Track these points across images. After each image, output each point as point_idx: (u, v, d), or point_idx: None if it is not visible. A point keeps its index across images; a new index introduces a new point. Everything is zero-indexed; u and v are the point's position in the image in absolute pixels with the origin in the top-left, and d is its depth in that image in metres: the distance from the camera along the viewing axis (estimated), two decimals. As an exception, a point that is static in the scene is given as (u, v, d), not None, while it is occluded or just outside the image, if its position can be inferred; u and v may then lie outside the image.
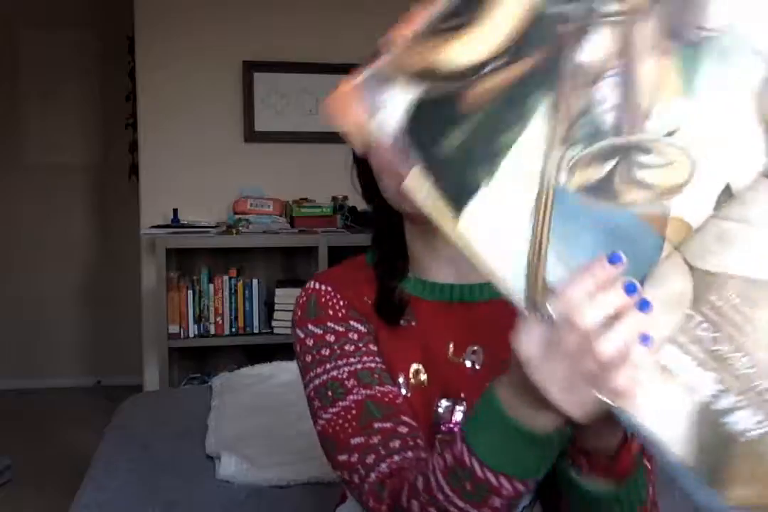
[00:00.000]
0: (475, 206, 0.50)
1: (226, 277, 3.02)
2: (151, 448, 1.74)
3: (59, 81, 4.02)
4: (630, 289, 0.49)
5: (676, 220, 0.51)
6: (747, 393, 0.50)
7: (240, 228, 3.00)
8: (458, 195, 0.50)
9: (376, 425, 0.73)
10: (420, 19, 0.50)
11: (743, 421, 0.50)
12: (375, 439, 0.72)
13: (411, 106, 0.50)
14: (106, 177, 4.11)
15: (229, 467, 1.58)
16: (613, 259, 0.49)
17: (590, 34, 0.49)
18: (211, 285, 3.01)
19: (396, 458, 0.70)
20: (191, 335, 2.99)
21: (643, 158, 0.50)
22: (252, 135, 3.20)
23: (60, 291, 4.12)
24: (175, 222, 3.05)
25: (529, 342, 0.52)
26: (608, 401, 0.50)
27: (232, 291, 3.02)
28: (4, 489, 2.78)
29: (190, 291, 2.98)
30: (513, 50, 0.50)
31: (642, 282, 0.50)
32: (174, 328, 2.96)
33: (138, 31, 3.14)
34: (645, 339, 0.49)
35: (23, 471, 2.88)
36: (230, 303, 3.01)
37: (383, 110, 0.50)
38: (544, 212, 0.50)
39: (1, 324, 4.05)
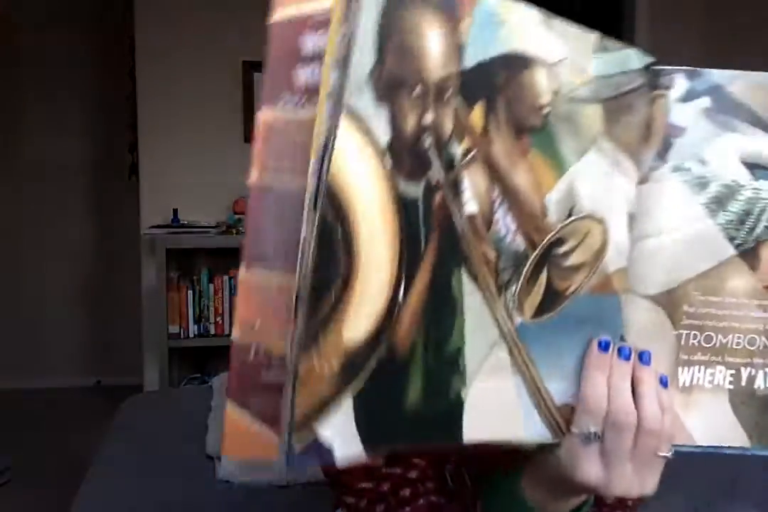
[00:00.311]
0: (469, 416, 0.48)
1: (226, 277, 3.02)
2: (151, 448, 1.74)
3: (59, 81, 4.02)
4: (626, 354, 0.51)
5: (616, 273, 0.52)
6: (755, 359, 0.54)
7: (240, 228, 3.00)
8: (450, 422, 0.48)
9: (385, 470, 0.70)
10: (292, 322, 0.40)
11: (762, 381, 0.55)
12: (384, 487, 0.69)
13: (355, 414, 0.43)
14: (106, 177, 4.11)
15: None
16: (602, 347, 0.51)
17: (461, 186, 0.45)
18: (211, 285, 3.01)
19: (407, 509, 0.68)
20: (191, 335, 2.99)
21: (563, 248, 0.50)
22: (252, 135, 3.19)
23: (60, 291, 4.11)
24: (175, 222, 3.05)
25: (589, 468, 0.51)
26: (669, 454, 0.52)
27: (232, 291, 3.01)
28: (4, 490, 2.78)
29: (190, 292, 2.98)
30: (407, 262, 0.43)
31: (624, 338, 0.53)
32: (174, 328, 2.96)
33: (138, 31, 3.14)
34: (663, 382, 0.52)
35: (23, 471, 2.88)
36: (230, 303, 3.01)
37: (336, 447, 0.42)
38: (522, 358, 0.49)
39: (1, 324, 4.05)
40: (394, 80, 0.41)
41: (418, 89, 0.42)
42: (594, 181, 0.50)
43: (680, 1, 3.39)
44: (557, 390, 0.51)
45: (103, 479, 1.59)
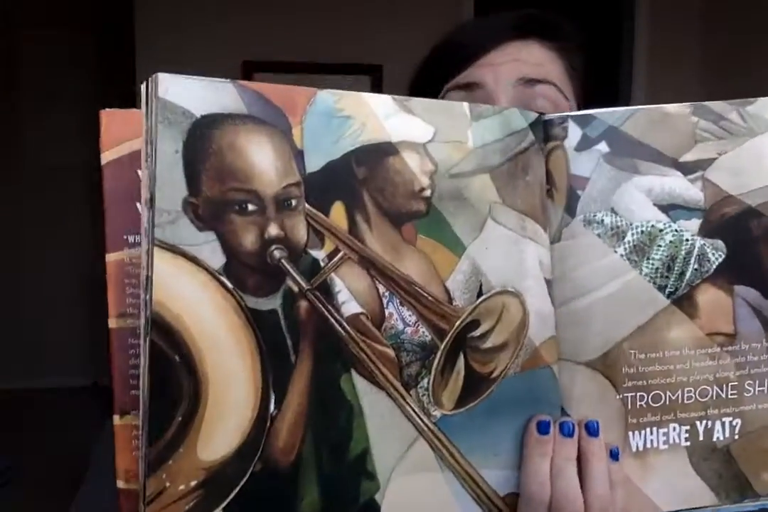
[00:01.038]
0: None
1: (226, 277, 3.02)
2: (151, 448, 1.74)
3: (59, 81, 4.02)
4: (568, 430, 0.47)
5: (545, 344, 0.49)
6: (709, 411, 0.50)
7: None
8: None
9: None
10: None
11: (721, 433, 0.51)
12: None
13: None
14: (106, 177, 4.11)
15: None
16: (542, 429, 0.47)
17: (333, 288, 0.43)
18: (211, 286, 3.01)
19: None
20: (191, 335, 2.99)
21: (479, 330, 0.47)
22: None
23: (59, 291, 4.11)
24: (175, 222, 3.04)
25: None
26: None
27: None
28: (3, 490, 2.78)
29: (190, 292, 2.98)
30: (273, 373, 0.42)
31: (565, 410, 0.49)
32: (174, 328, 2.96)
33: (138, 32, 3.14)
34: (614, 455, 0.48)
35: (23, 471, 2.88)
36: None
37: None
38: (449, 451, 0.46)
39: (1, 324, 4.05)
40: (216, 205, 0.40)
41: (250, 206, 0.41)
42: (499, 254, 0.47)
43: (679, 15, 3.39)
44: (498, 479, 0.48)
45: (103, 479, 1.58)
